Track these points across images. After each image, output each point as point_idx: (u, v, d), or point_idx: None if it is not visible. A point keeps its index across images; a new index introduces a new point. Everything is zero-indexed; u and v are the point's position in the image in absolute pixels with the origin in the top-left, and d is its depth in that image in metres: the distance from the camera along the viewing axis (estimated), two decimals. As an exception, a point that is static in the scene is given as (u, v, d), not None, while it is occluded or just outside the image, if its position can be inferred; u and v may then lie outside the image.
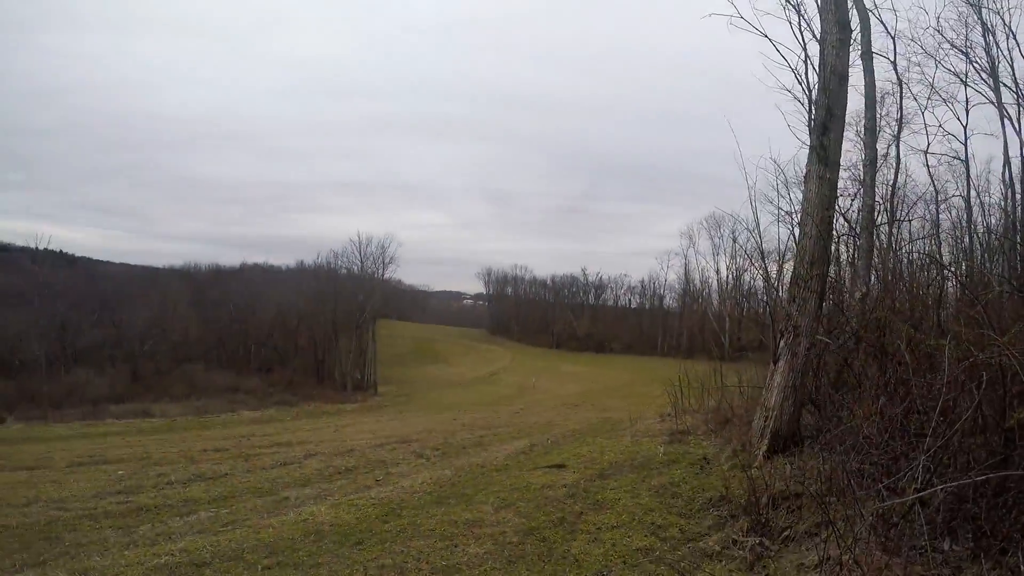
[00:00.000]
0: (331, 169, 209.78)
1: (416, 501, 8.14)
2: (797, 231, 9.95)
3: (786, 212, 20.41)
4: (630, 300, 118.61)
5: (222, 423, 38.94)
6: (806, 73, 14.86)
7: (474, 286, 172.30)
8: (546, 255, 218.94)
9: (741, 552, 5.50)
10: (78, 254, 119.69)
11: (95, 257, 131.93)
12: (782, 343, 7.91)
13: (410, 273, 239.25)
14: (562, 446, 12.88)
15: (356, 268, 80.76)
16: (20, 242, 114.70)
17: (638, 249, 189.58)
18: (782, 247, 24.40)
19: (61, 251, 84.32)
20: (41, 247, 69.45)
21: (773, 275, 21.99)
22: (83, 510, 9.30)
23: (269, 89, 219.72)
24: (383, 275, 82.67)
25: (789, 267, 13.01)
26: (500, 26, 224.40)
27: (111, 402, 52.34)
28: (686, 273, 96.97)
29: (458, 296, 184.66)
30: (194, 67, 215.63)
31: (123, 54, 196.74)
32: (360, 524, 7.20)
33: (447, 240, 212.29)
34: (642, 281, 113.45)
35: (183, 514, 8.76)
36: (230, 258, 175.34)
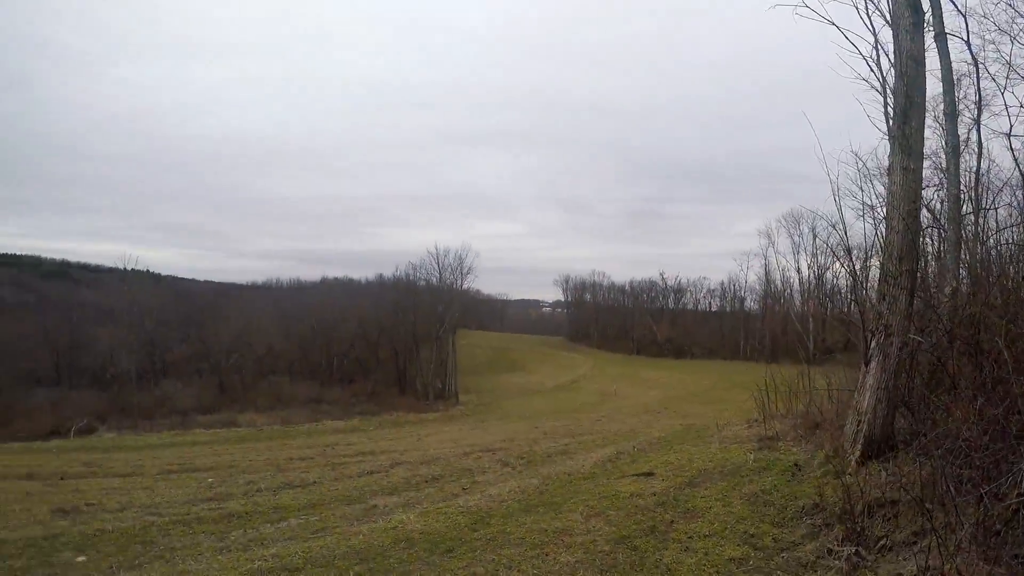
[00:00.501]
0: (403, 183, 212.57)
1: (504, 510, 8.17)
2: (882, 226, 9.66)
3: (868, 206, 19.85)
4: (710, 303, 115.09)
5: (306, 433, 39.53)
6: (878, 60, 14.46)
7: (552, 294, 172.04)
8: (623, 260, 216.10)
9: (836, 562, 5.39)
10: (163, 273, 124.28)
11: (180, 275, 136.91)
12: (873, 343, 7.70)
13: (488, 283, 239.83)
14: (649, 454, 12.76)
15: (435, 279, 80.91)
16: (109, 263, 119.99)
17: (716, 251, 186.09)
18: (867, 242, 23.71)
19: (148, 270, 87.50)
20: (129, 267, 72.11)
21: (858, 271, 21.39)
22: (176, 516, 9.62)
23: (328, 108, 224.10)
24: (462, 286, 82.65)
25: (874, 263, 12.67)
26: (559, 30, 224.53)
27: (199, 413, 53.81)
28: (766, 273, 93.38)
29: (536, 304, 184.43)
30: (259, 90, 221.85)
31: (190, 81, 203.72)
32: (450, 532, 7.25)
33: (524, 249, 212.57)
34: (722, 283, 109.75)
35: (274, 521, 8.98)
36: (311, 273, 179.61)
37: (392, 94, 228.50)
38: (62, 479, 16.95)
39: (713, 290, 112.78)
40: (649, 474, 9.66)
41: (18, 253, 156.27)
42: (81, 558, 7.74)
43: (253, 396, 62.27)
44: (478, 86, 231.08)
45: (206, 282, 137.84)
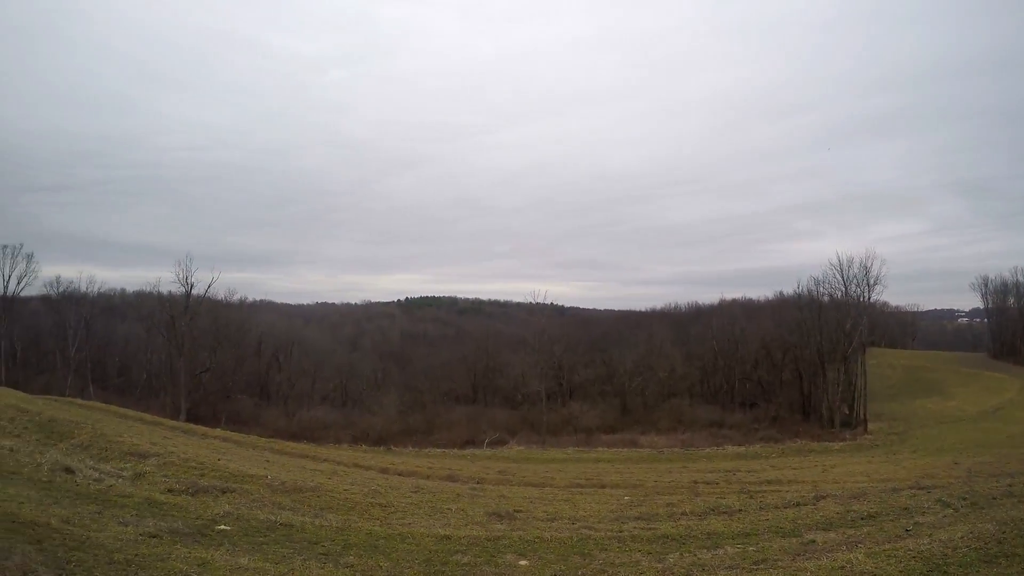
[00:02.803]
0: (793, 193, 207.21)
1: (960, 558, 7.63)
2: None
3: None
4: None
5: (706, 456, 39.95)
6: None
7: (970, 300, 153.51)
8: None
9: None
10: (566, 305, 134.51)
11: (582, 306, 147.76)
12: None
13: (895, 293, 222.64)
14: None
15: (839, 293, 74.24)
16: (517, 299, 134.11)
17: None
18: None
19: (552, 303, 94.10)
20: (535, 301, 77.98)
21: None
22: (609, 531, 10.12)
23: (700, 128, 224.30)
24: (868, 298, 74.02)
25: None
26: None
27: (602, 432, 56.95)
28: None
29: (951, 315, 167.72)
30: (629, 126, 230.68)
31: (566, 134, 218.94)
32: (905, 578, 6.89)
33: (928, 250, 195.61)
34: None
35: (709, 547, 9.14)
36: (708, 296, 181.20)
37: (757, 102, 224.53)
38: (478, 483, 18.69)
39: None
40: None
41: (437, 295, 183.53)
42: (523, 562, 8.44)
43: (655, 418, 64.11)
44: (847, 74, 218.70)
45: (607, 311, 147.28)
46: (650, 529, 10.37)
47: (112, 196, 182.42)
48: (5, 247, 70.91)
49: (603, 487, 18.51)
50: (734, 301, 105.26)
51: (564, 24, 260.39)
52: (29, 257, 72.52)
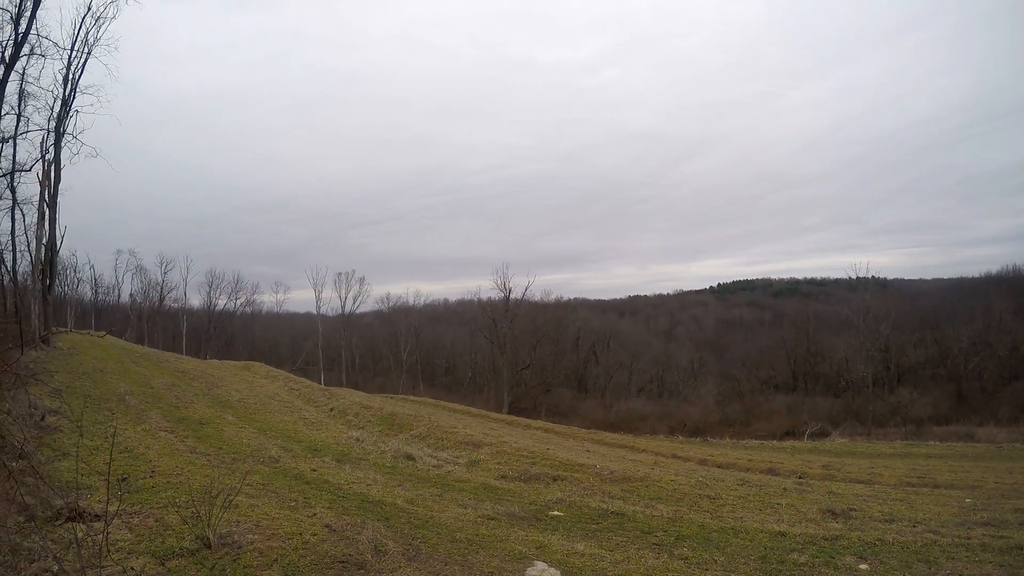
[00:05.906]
0: None
1: None
2: None
3: None
4: None
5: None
6: None
7: None
8: None
9: None
10: (889, 277, 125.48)
11: (905, 277, 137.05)
12: None
13: None
14: None
15: None
16: (835, 275, 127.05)
17: None
18: None
19: (872, 276, 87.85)
20: (855, 276, 72.84)
21: None
22: (956, 538, 9.43)
23: (1009, 43, 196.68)
24: None
25: None
26: None
27: (934, 423, 52.29)
28: None
29: None
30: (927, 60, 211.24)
31: (863, 80, 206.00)
32: None
33: None
34: None
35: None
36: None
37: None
38: (800, 478, 18.35)
39: None
40: None
41: (750, 278, 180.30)
42: (864, 566, 8.06)
43: (994, 406, 57.48)
44: None
45: (933, 280, 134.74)
46: (1000, 538, 9.51)
47: (429, 220, 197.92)
48: (340, 274, 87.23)
49: (937, 487, 17.24)
50: None
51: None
52: (361, 280, 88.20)
